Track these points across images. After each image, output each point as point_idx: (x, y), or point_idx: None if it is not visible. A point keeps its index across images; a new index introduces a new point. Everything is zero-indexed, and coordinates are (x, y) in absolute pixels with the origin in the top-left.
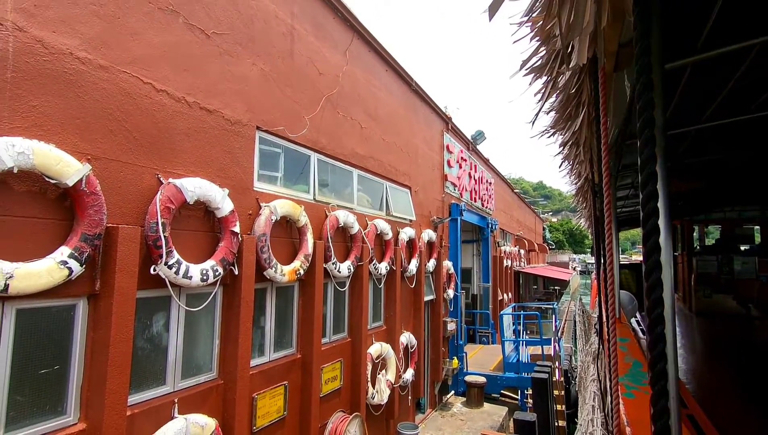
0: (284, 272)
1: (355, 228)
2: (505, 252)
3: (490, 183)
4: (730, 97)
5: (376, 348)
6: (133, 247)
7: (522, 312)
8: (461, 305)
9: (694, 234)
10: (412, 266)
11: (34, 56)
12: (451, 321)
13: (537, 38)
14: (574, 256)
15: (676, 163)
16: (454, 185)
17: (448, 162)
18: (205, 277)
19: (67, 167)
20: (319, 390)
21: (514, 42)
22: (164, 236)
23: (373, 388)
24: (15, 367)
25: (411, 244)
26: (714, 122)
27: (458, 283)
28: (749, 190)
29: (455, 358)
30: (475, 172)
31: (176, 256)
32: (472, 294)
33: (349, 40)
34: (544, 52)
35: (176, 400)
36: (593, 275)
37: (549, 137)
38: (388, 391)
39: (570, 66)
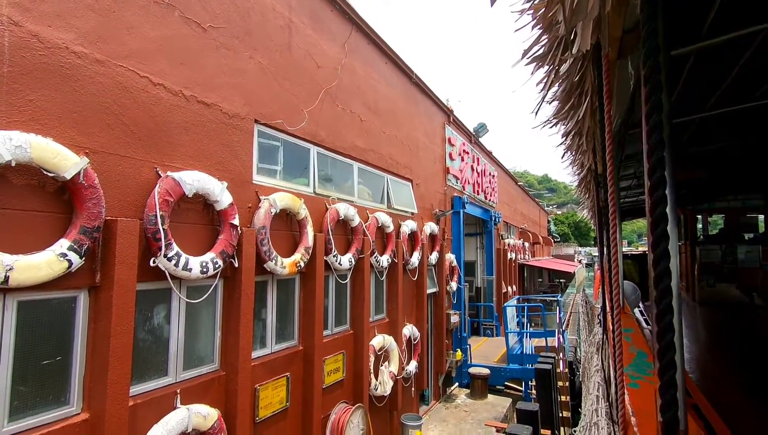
0: (284, 265)
1: (356, 221)
2: (509, 245)
3: (493, 175)
4: (735, 84)
5: (379, 340)
6: (132, 239)
7: (526, 304)
8: (465, 298)
9: (698, 223)
10: (414, 259)
11: (30, 51)
12: (455, 313)
13: (539, 26)
14: (580, 248)
15: (680, 152)
16: (457, 178)
17: (450, 155)
18: (204, 270)
19: (65, 160)
20: (322, 381)
21: (516, 30)
22: (163, 229)
23: (376, 380)
24: (18, 358)
25: (413, 236)
26: (718, 110)
27: (461, 275)
28: (753, 178)
29: (459, 350)
30: (478, 164)
31: (176, 248)
32: (476, 287)
33: (347, 32)
34: (546, 40)
35: (178, 391)
36: (596, 266)
37: (551, 127)
38: (391, 383)
39: (573, 52)
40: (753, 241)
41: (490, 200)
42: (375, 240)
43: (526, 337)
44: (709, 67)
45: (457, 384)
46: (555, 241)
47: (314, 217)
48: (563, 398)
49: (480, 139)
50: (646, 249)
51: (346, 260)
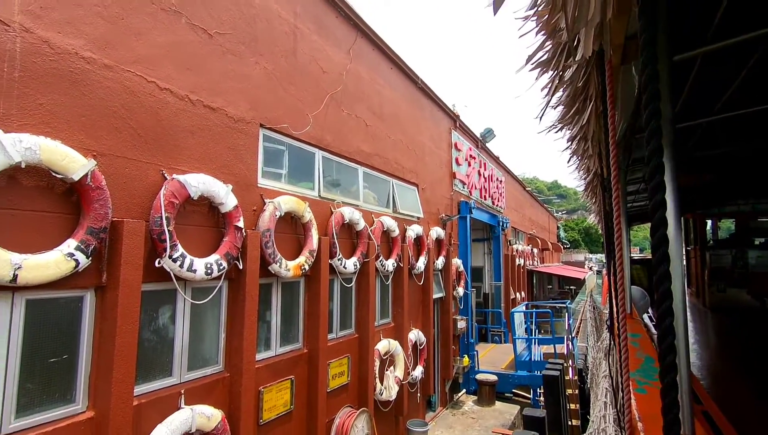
0: (289, 267)
1: (361, 224)
2: (517, 250)
3: (501, 181)
4: (743, 87)
5: (384, 344)
6: (138, 240)
7: (534, 310)
8: (472, 303)
9: (707, 228)
10: (420, 263)
11: (40, 56)
12: (462, 319)
13: (543, 32)
14: (591, 255)
15: (687, 156)
16: (463, 183)
17: (457, 159)
18: (209, 271)
19: (73, 163)
20: (326, 385)
21: (520, 36)
22: (168, 230)
23: (381, 385)
24: (25, 356)
25: (419, 241)
26: (726, 114)
27: (468, 281)
28: (763, 182)
29: (466, 356)
30: (485, 169)
31: (180, 249)
32: (484, 293)
33: (352, 38)
34: (550, 45)
35: (183, 391)
36: (604, 271)
37: (556, 132)
38: (396, 388)
39: (576, 59)
40: (764, 246)
41: (497, 205)
42: (380, 244)
43: (535, 343)
44: (716, 71)
45: (464, 390)
46: (565, 248)
47: (319, 221)
48: (572, 406)
49: (487, 144)
50: None
51: (350, 264)
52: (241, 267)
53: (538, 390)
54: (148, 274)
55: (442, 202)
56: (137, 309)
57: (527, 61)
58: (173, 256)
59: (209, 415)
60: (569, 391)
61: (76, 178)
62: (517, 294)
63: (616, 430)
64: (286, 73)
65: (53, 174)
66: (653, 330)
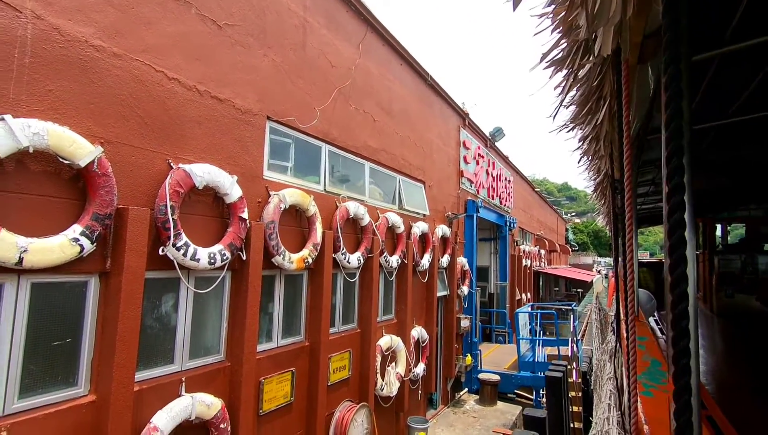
0: (292, 260)
1: (366, 220)
2: (524, 251)
3: (509, 181)
4: (759, 90)
5: (386, 340)
6: (143, 227)
7: (539, 311)
8: (476, 303)
9: (717, 232)
10: (425, 261)
11: (51, 43)
12: (465, 318)
13: (558, 30)
14: (600, 258)
15: (699, 159)
16: (471, 182)
17: (465, 158)
18: (212, 261)
19: (80, 149)
20: (327, 378)
21: (536, 34)
22: (173, 219)
23: (383, 380)
24: (30, 338)
25: (424, 238)
26: (740, 117)
27: (473, 280)
28: None
29: (469, 355)
30: (493, 169)
31: (184, 238)
32: (489, 292)
33: (362, 33)
34: (565, 44)
35: (183, 379)
36: (611, 273)
37: (568, 132)
38: (397, 384)
39: (594, 57)
40: None
41: (505, 205)
42: (385, 240)
43: (539, 344)
44: (732, 73)
45: (466, 389)
46: (573, 250)
47: (324, 215)
48: (575, 408)
49: (496, 144)
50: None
51: (354, 259)
52: (244, 258)
53: (541, 391)
54: (152, 262)
55: (448, 200)
56: (140, 296)
57: (542, 59)
58: (177, 245)
59: (209, 403)
60: (572, 393)
61: (83, 164)
62: (523, 295)
63: (619, 432)
64: (295, 66)
65: (60, 159)
66: (659, 333)
